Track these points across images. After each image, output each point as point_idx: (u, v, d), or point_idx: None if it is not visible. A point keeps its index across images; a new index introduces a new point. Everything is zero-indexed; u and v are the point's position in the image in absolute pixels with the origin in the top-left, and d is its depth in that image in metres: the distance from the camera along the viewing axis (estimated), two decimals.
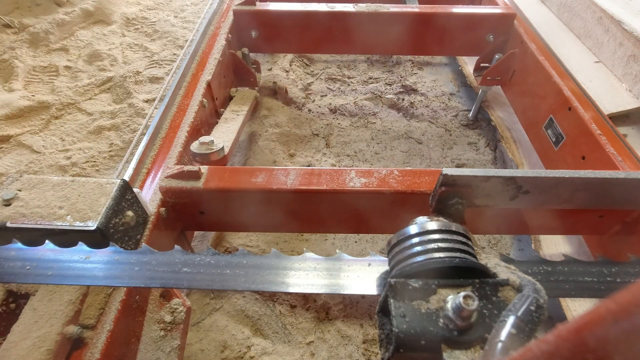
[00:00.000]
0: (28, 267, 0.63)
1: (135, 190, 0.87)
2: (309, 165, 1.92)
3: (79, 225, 0.73)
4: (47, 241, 0.66)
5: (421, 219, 0.61)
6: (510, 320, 0.46)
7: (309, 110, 2.27)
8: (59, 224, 0.73)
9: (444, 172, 0.65)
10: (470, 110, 2.23)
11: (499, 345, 0.44)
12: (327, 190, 1.02)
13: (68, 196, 0.79)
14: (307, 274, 0.60)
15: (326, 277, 0.60)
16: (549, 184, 0.66)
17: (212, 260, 0.62)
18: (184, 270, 0.61)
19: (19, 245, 0.65)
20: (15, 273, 0.62)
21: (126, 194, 0.83)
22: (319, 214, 1.12)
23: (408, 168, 1.09)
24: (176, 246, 0.64)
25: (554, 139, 1.42)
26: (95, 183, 0.82)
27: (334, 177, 1.05)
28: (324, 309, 1.39)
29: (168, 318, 0.85)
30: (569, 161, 1.32)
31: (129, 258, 0.63)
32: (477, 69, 2.00)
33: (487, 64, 1.95)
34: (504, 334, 0.45)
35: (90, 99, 2.25)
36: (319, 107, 2.30)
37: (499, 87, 1.97)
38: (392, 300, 0.50)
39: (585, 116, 1.25)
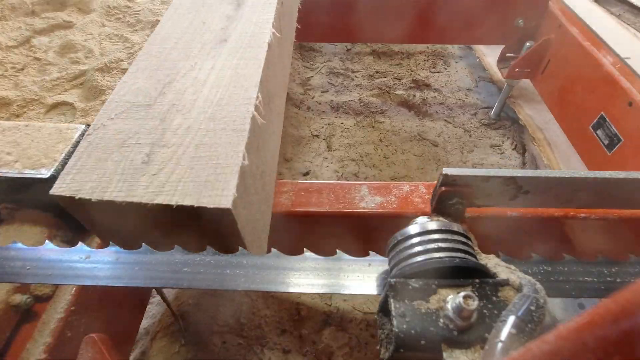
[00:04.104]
0: (28, 267, 0.62)
1: None
2: (307, 172, 1.78)
3: (29, 173, 0.64)
4: (47, 241, 0.66)
5: (421, 218, 0.62)
6: (510, 320, 0.46)
7: (308, 107, 2.07)
8: (4, 172, 0.65)
9: (444, 172, 0.66)
10: (491, 108, 2.00)
11: (499, 345, 0.44)
12: (330, 213, 0.81)
13: (19, 141, 0.71)
14: (307, 274, 0.60)
15: (326, 277, 0.60)
16: (549, 184, 0.66)
17: (212, 260, 0.62)
18: (184, 270, 0.61)
19: (19, 245, 0.66)
20: (15, 273, 0.62)
21: None
22: (319, 242, 0.85)
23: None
24: (176, 246, 0.64)
25: (606, 142, 1.20)
26: (54, 128, 0.73)
27: (339, 194, 0.83)
28: (325, 354, 1.16)
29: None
30: (629, 168, 1.09)
31: (129, 258, 0.63)
32: (503, 59, 1.76)
33: (512, 54, 1.72)
34: (504, 334, 0.45)
35: (59, 94, 2.02)
36: (319, 104, 2.09)
37: (525, 84, 1.76)
38: (392, 300, 0.51)
39: None
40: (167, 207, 0.55)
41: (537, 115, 1.77)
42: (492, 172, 0.66)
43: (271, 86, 0.83)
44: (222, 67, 0.75)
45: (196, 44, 0.81)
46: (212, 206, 0.54)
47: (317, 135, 1.95)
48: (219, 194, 0.55)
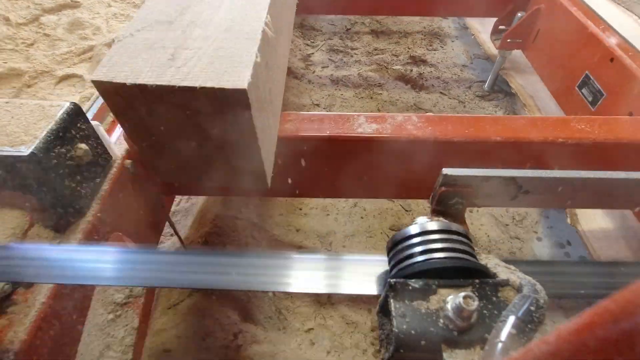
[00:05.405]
0: (28, 267, 0.63)
1: (94, 123, 0.75)
2: None
3: (7, 150, 0.59)
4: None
5: (421, 219, 0.62)
6: (510, 320, 0.46)
7: (309, 80, 2.16)
8: None
9: (444, 172, 0.65)
10: (484, 82, 2.12)
11: (499, 345, 0.44)
12: (331, 137, 0.90)
13: None
14: (307, 273, 0.60)
15: (326, 277, 0.60)
16: (549, 184, 0.66)
17: (213, 260, 0.62)
18: (184, 270, 0.61)
19: (19, 245, 0.66)
20: (15, 273, 0.62)
21: (78, 122, 0.70)
22: (319, 173, 0.99)
23: (429, 114, 0.97)
24: (176, 246, 0.64)
25: (590, 98, 1.28)
26: (36, 105, 0.69)
27: (339, 122, 0.93)
28: None
29: (119, 297, 0.71)
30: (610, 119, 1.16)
31: (129, 258, 0.63)
32: (495, 32, 1.87)
33: (504, 26, 1.82)
34: (504, 334, 0.45)
35: (68, 67, 2.10)
36: (320, 77, 2.19)
37: (517, 57, 1.85)
38: (392, 301, 0.50)
39: (633, 65, 1.11)
40: (191, 90, 0.63)
41: (528, 85, 1.90)
42: (492, 172, 0.66)
43: (277, 21, 0.91)
44: None
45: None
46: (230, 87, 0.61)
47: (317, 104, 2.04)
48: (236, 79, 0.63)
